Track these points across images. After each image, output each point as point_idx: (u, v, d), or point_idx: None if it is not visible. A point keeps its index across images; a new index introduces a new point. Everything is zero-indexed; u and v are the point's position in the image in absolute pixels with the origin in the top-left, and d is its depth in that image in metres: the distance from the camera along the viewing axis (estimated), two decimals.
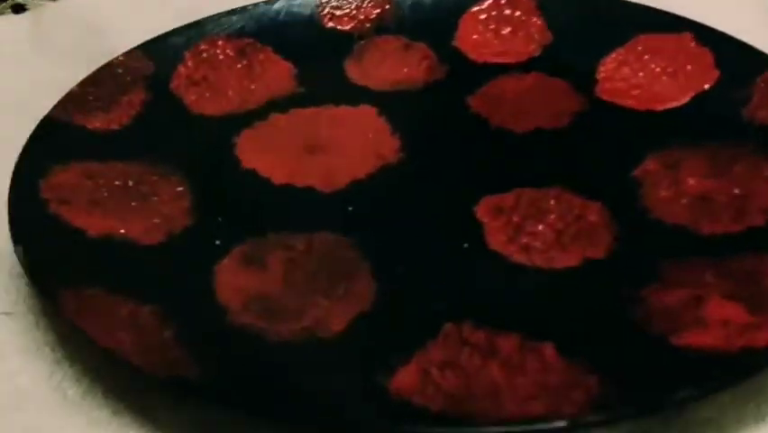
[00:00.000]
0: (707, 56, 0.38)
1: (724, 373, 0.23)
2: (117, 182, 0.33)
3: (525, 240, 0.31)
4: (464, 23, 0.43)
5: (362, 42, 0.42)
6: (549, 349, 0.26)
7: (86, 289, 0.27)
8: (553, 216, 0.32)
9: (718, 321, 0.26)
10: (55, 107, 0.36)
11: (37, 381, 0.27)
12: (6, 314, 0.29)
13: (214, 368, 0.25)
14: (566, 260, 0.30)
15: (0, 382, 0.27)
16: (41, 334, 0.28)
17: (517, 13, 0.43)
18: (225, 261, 0.30)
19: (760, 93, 0.36)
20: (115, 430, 0.25)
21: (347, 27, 0.43)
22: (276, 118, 0.38)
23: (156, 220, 0.32)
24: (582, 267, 0.30)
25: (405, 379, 0.25)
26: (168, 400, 0.25)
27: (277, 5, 0.43)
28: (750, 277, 0.28)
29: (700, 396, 0.23)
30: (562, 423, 0.22)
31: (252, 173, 0.35)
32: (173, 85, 0.39)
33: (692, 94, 0.38)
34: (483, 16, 0.43)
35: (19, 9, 0.49)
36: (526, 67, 0.40)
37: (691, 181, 0.33)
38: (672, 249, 0.30)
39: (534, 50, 0.41)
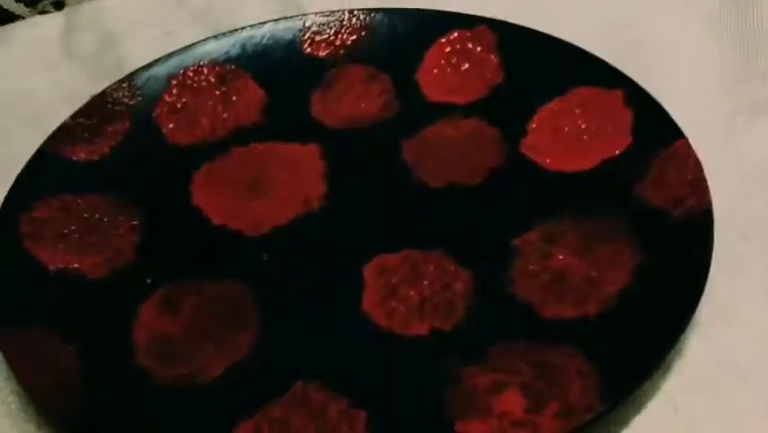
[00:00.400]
0: (627, 119, 0.42)
1: None
2: (86, 215, 0.42)
3: (393, 304, 0.37)
4: (430, 56, 0.47)
5: (333, 70, 0.48)
6: (361, 417, 0.33)
7: (30, 324, 0.36)
8: (425, 282, 0.38)
9: (499, 412, 0.32)
10: (47, 140, 0.44)
11: None
12: None
13: (104, 412, 0.33)
14: (418, 328, 0.36)
15: None
16: None
17: (478, 49, 0.47)
18: (149, 300, 0.38)
19: (656, 171, 0.40)
20: None
21: (323, 53, 0.49)
22: (235, 152, 0.45)
23: (106, 255, 0.40)
24: (428, 337, 0.36)
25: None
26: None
27: (264, 29, 0.49)
28: (550, 372, 0.33)
29: None
30: None
31: (197, 212, 0.42)
32: (156, 113, 0.46)
33: (602, 158, 0.41)
34: (448, 49, 0.48)
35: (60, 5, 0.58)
36: (470, 110, 0.45)
37: (560, 257, 0.38)
38: (509, 329, 0.36)
39: (482, 90, 0.46)
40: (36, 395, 0.33)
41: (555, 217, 0.39)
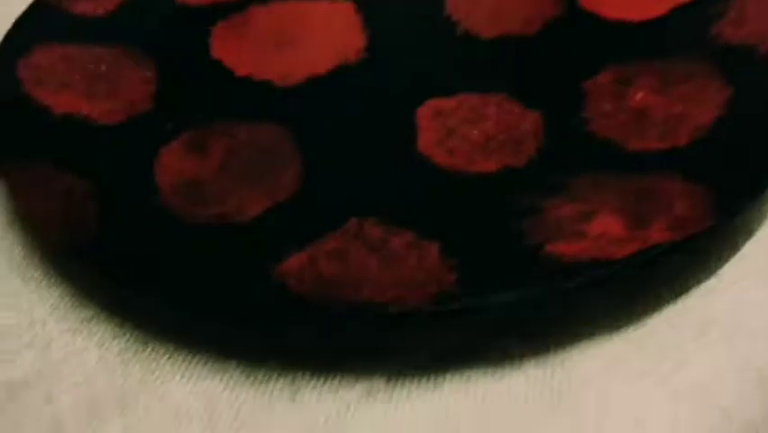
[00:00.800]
0: None
1: (571, 280, 0.26)
2: (91, 65, 0.37)
3: (453, 144, 0.33)
4: None
5: None
6: (434, 248, 0.29)
7: (35, 161, 0.32)
8: (488, 123, 0.34)
9: (595, 234, 0.28)
10: None
11: None
12: None
13: (119, 244, 0.29)
14: (485, 165, 0.32)
15: None
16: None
17: None
18: (172, 144, 0.34)
19: (734, 10, 0.37)
20: (45, 289, 0.30)
21: None
22: (254, 10, 0.41)
23: (120, 103, 0.36)
24: (498, 174, 0.32)
25: (292, 264, 0.28)
26: (83, 267, 0.29)
27: None
28: (646, 196, 0.30)
29: (539, 300, 0.26)
30: (394, 309, 0.25)
31: (218, 63, 0.38)
32: None
33: (671, 6, 0.38)
34: None
35: None
36: None
37: (638, 96, 0.35)
38: (590, 163, 0.32)
39: None
40: (47, 228, 0.28)
41: (626, 61, 0.35)
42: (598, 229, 0.28)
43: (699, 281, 0.27)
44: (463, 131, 0.34)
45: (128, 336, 0.28)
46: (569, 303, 0.27)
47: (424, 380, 0.26)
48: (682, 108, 0.34)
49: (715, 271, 0.28)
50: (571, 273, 0.26)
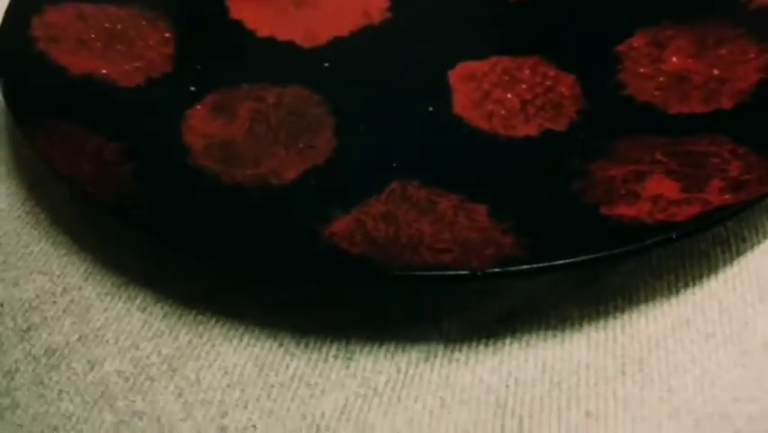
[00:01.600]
0: None
1: (635, 242, 0.26)
2: (107, 25, 0.36)
3: (490, 107, 0.33)
4: None
5: None
6: (482, 210, 0.29)
7: (59, 121, 0.31)
8: (524, 86, 0.34)
9: (651, 196, 0.28)
10: None
11: (12, 203, 0.31)
12: None
13: (162, 203, 0.29)
14: (525, 129, 0.32)
15: None
16: (20, 162, 0.32)
17: None
18: (197, 107, 0.33)
19: None
20: (76, 254, 0.29)
21: None
22: None
23: (138, 64, 0.35)
24: (539, 137, 0.32)
25: (340, 227, 0.28)
26: (121, 230, 0.29)
27: None
28: (696, 158, 0.30)
29: (604, 261, 0.26)
30: (463, 272, 0.25)
31: (238, 24, 0.37)
32: None
33: None
34: None
35: None
36: None
37: (674, 60, 0.35)
38: (633, 126, 0.32)
39: None
40: (83, 189, 0.28)
41: (659, 24, 0.35)
42: (652, 191, 0.28)
43: (753, 244, 0.28)
44: (499, 94, 0.34)
45: (171, 299, 0.27)
46: (632, 265, 0.27)
47: (482, 344, 0.26)
48: (721, 72, 0.34)
49: None
50: (637, 235, 0.26)
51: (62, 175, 0.28)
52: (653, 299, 0.27)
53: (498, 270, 0.25)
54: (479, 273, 0.25)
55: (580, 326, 0.26)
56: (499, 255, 0.26)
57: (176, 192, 0.29)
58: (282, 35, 0.37)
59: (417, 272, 0.25)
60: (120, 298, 0.27)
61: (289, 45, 0.36)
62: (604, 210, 0.28)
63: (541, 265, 0.25)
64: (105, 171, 0.29)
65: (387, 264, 0.26)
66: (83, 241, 0.29)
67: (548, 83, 0.34)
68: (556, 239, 0.26)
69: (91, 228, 0.29)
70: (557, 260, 0.25)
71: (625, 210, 0.28)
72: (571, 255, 0.25)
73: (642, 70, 0.34)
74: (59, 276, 0.28)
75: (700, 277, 0.27)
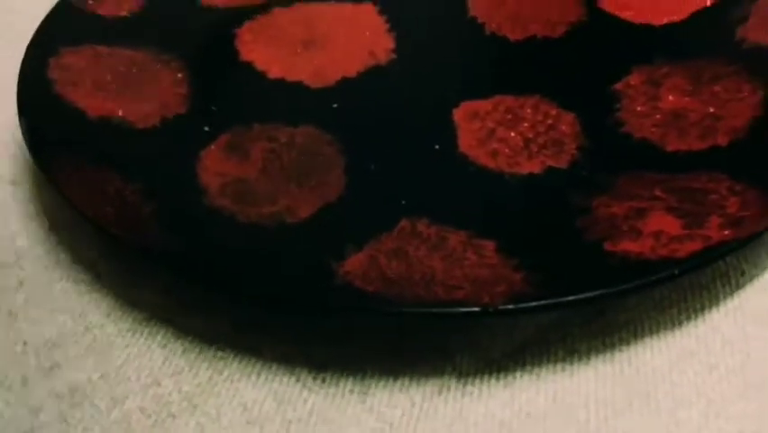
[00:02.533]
0: None
1: (640, 278, 0.26)
2: (122, 68, 0.37)
3: (494, 145, 0.34)
4: None
5: None
6: (490, 246, 0.29)
7: (80, 164, 0.32)
8: (526, 125, 0.35)
9: (652, 232, 0.29)
10: None
11: (34, 243, 0.31)
12: (13, 183, 0.34)
13: (184, 243, 0.29)
14: (529, 166, 0.33)
15: (2, 241, 0.31)
16: (41, 203, 0.33)
17: None
18: (211, 147, 0.34)
19: (757, 14, 0.38)
20: (97, 292, 0.29)
21: None
22: (278, 12, 0.41)
23: (153, 105, 0.36)
24: (543, 174, 0.33)
25: (354, 264, 0.29)
26: (143, 268, 0.29)
27: None
28: (695, 195, 0.30)
29: (611, 297, 0.26)
30: (476, 309, 0.25)
31: (249, 66, 0.38)
32: None
33: (693, 10, 0.39)
34: None
35: None
36: None
37: (670, 98, 0.35)
38: (632, 163, 0.32)
39: None
40: (105, 225, 0.28)
41: (654, 62, 0.36)
42: (654, 227, 0.29)
43: (752, 277, 0.28)
44: (502, 132, 0.34)
45: (191, 336, 0.28)
46: (637, 299, 0.27)
47: (494, 378, 0.26)
48: (716, 109, 0.34)
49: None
50: (641, 271, 0.26)
51: (87, 217, 0.28)
52: (658, 332, 0.27)
53: (510, 306, 0.25)
54: (491, 309, 0.25)
55: (588, 358, 0.26)
56: (510, 292, 0.26)
57: (194, 232, 0.30)
58: (292, 76, 0.37)
59: (432, 309, 0.26)
60: (141, 335, 0.28)
61: (299, 86, 0.37)
62: (608, 246, 0.28)
63: (551, 302, 0.25)
64: (128, 213, 0.29)
65: (401, 301, 0.26)
66: (104, 279, 0.29)
67: (549, 121, 0.35)
68: (563, 275, 0.27)
69: (111, 267, 0.30)
70: (566, 296, 0.26)
71: (628, 246, 0.28)
72: (578, 291, 0.26)
73: (639, 108, 0.35)
74: (80, 315, 0.28)
75: (702, 310, 0.27)
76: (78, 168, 0.31)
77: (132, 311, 0.28)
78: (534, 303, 0.25)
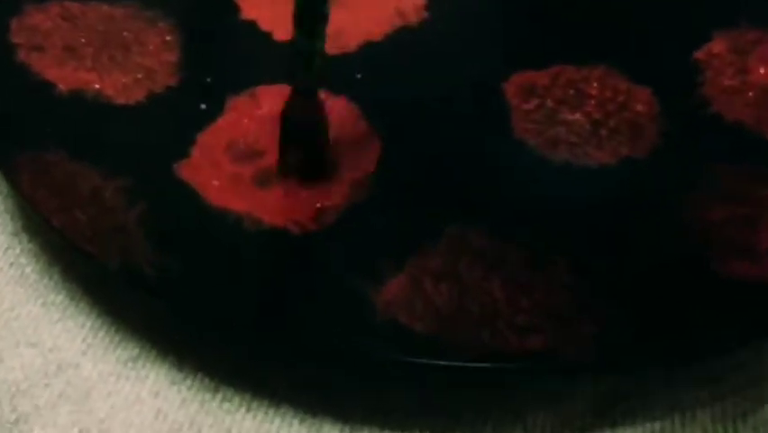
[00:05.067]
0: None
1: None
2: (100, 27, 0.31)
3: (556, 130, 0.28)
4: None
5: None
6: (562, 266, 0.24)
7: (47, 152, 0.26)
8: (592, 102, 0.29)
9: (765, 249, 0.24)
10: None
11: None
12: None
13: (179, 263, 0.23)
14: (601, 156, 0.28)
15: None
16: (2, 202, 0.27)
17: None
18: (210, 130, 0.28)
19: None
20: (72, 320, 0.24)
21: None
22: None
23: (137, 75, 0.30)
24: (619, 167, 0.27)
25: (392, 290, 0.23)
26: (127, 295, 0.24)
27: None
28: None
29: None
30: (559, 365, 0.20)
31: (252, 25, 0.32)
32: None
33: None
34: None
35: None
36: None
37: (762, 70, 0.30)
38: (729, 152, 0.27)
39: None
40: (76, 239, 0.22)
41: (738, 28, 0.30)
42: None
43: None
44: (565, 114, 0.29)
45: (190, 380, 0.22)
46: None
47: None
48: None
49: None
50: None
51: (53, 227, 0.23)
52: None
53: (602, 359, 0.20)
54: (578, 364, 0.20)
55: (694, 415, 0.21)
56: (598, 335, 0.21)
57: (192, 247, 0.24)
58: None
59: (501, 364, 0.20)
60: (127, 379, 0.23)
61: None
62: (715, 267, 0.23)
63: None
64: (106, 220, 0.24)
65: (460, 349, 0.21)
66: (80, 302, 0.24)
67: (621, 99, 0.29)
68: (666, 309, 0.22)
69: (90, 286, 0.24)
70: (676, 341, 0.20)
71: (745, 269, 0.23)
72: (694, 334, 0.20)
73: (727, 83, 0.30)
74: (51, 349, 0.23)
75: None
76: (44, 158, 0.26)
77: (116, 347, 0.23)
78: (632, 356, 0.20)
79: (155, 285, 0.23)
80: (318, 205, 0.26)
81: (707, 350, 0.21)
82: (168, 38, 0.32)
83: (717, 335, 0.21)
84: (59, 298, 0.25)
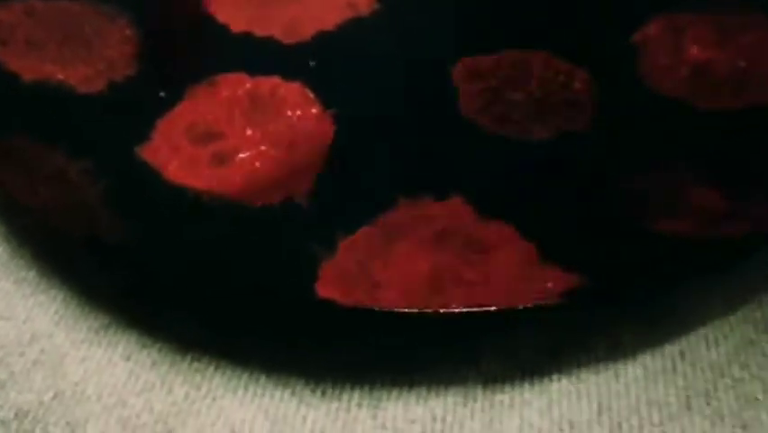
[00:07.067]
0: None
1: (699, 261, 0.23)
2: (59, 23, 0.33)
3: (500, 108, 0.30)
4: None
5: None
6: (510, 229, 0.26)
7: (12, 137, 0.27)
8: (534, 83, 0.31)
9: (696, 208, 0.26)
10: None
11: None
12: None
13: (140, 233, 0.25)
14: (541, 131, 0.30)
15: None
16: None
17: None
18: (169, 115, 0.30)
19: None
20: (44, 294, 0.25)
21: None
22: None
23: (98, 66, 0.31)
24: (558, 140, 0.29)
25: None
26: (94, 265, 0.25)
27: None
28: (740, 163, 0.27)
29: (672, 285, 0.23)
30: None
31: (209, 19, 0.34)
32: None
33: None
34: None
35: None
36: None
37: (694, 50, 0.32)
38: (663, 126, 0.29)
39: None
40: (43, 215, 0.24)
41: (673, 11, 0.33)
42: (697, 202, 0.26)
43: None
44: (508, 94, 0.31)
45: (160, 344, 0.24)
46: (694, 287, 0.24)
47: (528, 383, 0.23)
48: (747, 64, 0.31)
49: None
50: (698, 255, 0.23)
51: (19, 204, 0.24)
52: (711, 320, 0.24)
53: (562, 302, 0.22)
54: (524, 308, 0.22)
55: (634, 355, 0.23)
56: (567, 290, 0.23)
57: (152, 219, 0.26)
58: (260, 30, 0.33)
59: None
60: (99, 345, 0.24)
61: (269, 41, 0.33)
62: (657, 227, 0.25)
63: (608, 298, 0.22)
64: (70, 196, 0.25)
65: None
66: (51, 277, 0.25)
67: (561, 78, 0.31)
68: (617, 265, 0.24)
69: (60, 262, 0.25)
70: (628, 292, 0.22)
71: (672, 226, 0.25)
72: (631, 282, 0.23)
73: (662, 61, 0.32)
74: (24, 321, 0.24)
75: (755, 292, 0.24)
76: (10, 142, 0.27)
77: (87, 316, 0.25)
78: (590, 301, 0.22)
79: (119, 256, 0.24)
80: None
81: (642, 294, 0.23)
82: (127, 32, 0.33)
83: (648, 280, 0.23)
84: (31, 274, 0.26)
